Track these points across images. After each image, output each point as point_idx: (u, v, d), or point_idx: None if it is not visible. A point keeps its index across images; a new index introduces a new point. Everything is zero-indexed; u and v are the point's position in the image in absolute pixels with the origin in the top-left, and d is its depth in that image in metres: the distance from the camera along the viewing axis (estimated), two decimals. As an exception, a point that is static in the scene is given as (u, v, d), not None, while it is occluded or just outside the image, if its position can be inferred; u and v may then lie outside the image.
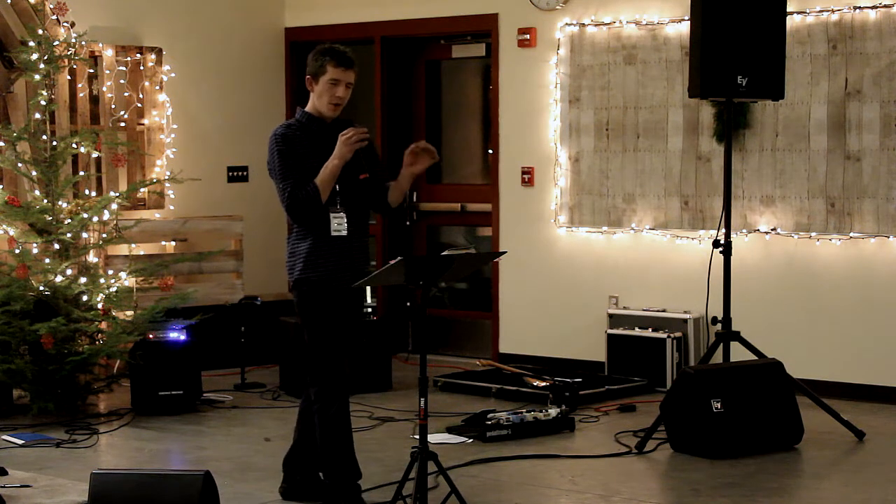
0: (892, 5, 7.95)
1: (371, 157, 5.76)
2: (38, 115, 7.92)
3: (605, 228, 9.03)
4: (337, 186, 5.58)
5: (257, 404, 8.26)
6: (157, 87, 9.50)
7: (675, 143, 8.73)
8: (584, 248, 9.15)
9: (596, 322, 9.01)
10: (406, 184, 5.75)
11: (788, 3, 7.58)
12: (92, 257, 8.25)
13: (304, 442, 5.87)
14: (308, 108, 5.71)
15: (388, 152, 9.95)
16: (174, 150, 9.60)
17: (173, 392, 7.94)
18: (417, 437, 5.44)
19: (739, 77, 7.03)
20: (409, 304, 9.77)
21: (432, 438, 6.18)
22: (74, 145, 8.05)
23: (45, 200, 7.90)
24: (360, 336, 5.74)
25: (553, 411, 7.44)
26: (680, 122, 8.71)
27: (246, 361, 8.92)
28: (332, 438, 5.67)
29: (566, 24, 9.11)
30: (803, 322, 8.33)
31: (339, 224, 5.58)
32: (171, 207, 9.58)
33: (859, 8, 8.05)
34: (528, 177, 9.36)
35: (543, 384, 8.19)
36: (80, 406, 7.95)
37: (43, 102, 7.90)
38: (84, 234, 8.04)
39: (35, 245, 7.92)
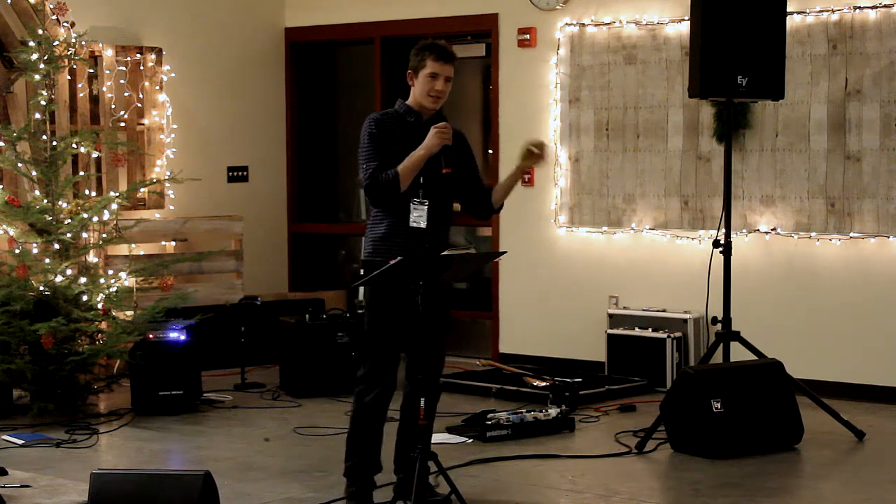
0: (892, 5, 7.95)
1: (464, 157, 5.79)
2: (38, 115, 7.92)
3: (605, 228, 9.03)
4: (421, 178, 5.60)
5: (257, 404, 8.26)
6: (157, 87, 9.51)
7: (675, 143, 8.73)
8: (584, 248, 9.15)
9: (596, 322, 9.01)
10: (514, 181, 5.85)
11: (788, 3, 7.58)
12: (92, 257, 8.25)
13: (405, 426, 5.86)
14: (408, 101, 5.77)
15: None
16: (174, 150, 9.60)
17: (173, 392, 7.94)
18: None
19: (739, 77, 7.03)
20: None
21: (432, 438, 6.17)
22: (74, 145, 8.05)
23: (45, 200, 7.90)
24: (432, 328, 5.63)
25: (553, 411, 7.44)
26: (680, 122, 8.71)
27: (246, 361, 8.92)
28: (359, 424, 5.69)
29: (566, 24, 9.11)
30: (803, 322, 8.33)
31: (418, 215, 5.60)
32: (171, 207, 9.58)
33: (859, 8, 8.05)
34: (528, 177, 9.36)
35: (543, 384, 8.19)
36: (80, 406, 7.95)
37: (43, 102, 7.90)
38: (84, 234, 8.04)
39: (35, 245, 7.92)
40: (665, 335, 8.56)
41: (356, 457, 5.70)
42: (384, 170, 5.57)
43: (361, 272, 5.75)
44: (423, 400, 5.46)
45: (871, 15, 8.03)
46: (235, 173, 10.17)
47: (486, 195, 5.86)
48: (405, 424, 5.86)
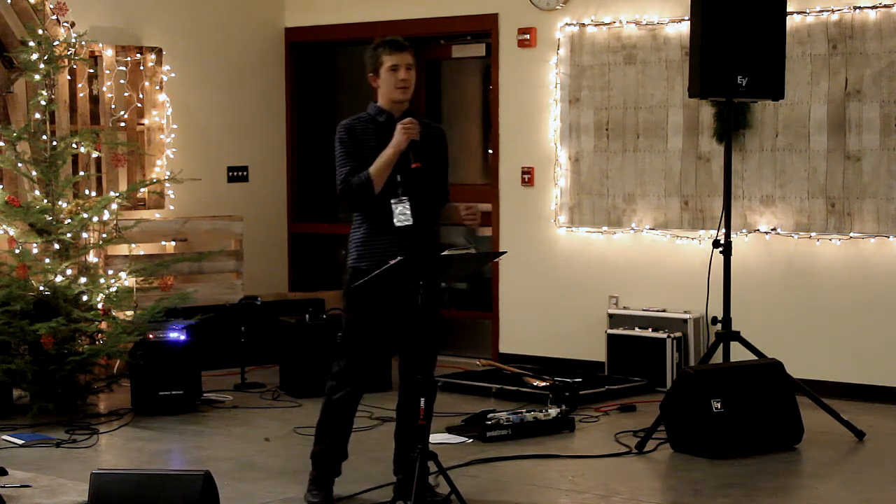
0: (892, 5, 7.95)
1: (435, 153, 5.79)
2: (38, 115, 7.92)
3: (605, 228, 9.03)
4: (398, 177, 5.62)
5: (257, 404, 8.26)
6: (157, 87, 9.51)
7: (675, 143, 8.73)
8: (584, 248, 9.15)
9: (596, 322, 9.01)
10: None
11: (788, 3, 7.58)
12: (92, 257, 8.25)
13: (402, 426, 5.90)
14: (379, 102, 5.79)
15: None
16: (174, 150, 9.60)
17: (173, 392, 7.94)
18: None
19: (739, 77, 7.03)
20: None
21: (432, 438, 6.17)
22: (74, 145, 8.05)
23: (45, 200, 7.90)
24: (419, 328, 5.60)
25: (553, 411, 7.44)
26: (680, 122, 8.71)
27: (246, 361, 8.92)
28: (327, 419, 5.78)
29: (566, 24, 9.11)
30: (803, 322, 8.33)
31: (402, 213, 5.60)
32: (171, 207, 9.59)
33: (859, 8, 8.05)
34: (528, 177, 9.36)
35: (543, 384, 8.19)
36: (80, 406, 7.95)
37: (43, 102, 7.90)
38: (84, 234, 8.04)
39: (35, 245, 7.92)
40: (665, 335, 8.56)
41: (322, 444, 5.81)
42: (356, 173, 5.62)
43: (347, 278, 5.74)
44: (422, 400, 5.45)
45: (871, 15, 8.03)
46: (235, 173, 10.17)
47: (440, 202, 5.83)
48: (402, 425, 5.88)
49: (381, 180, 5.60)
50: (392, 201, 5.61)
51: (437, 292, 5.78)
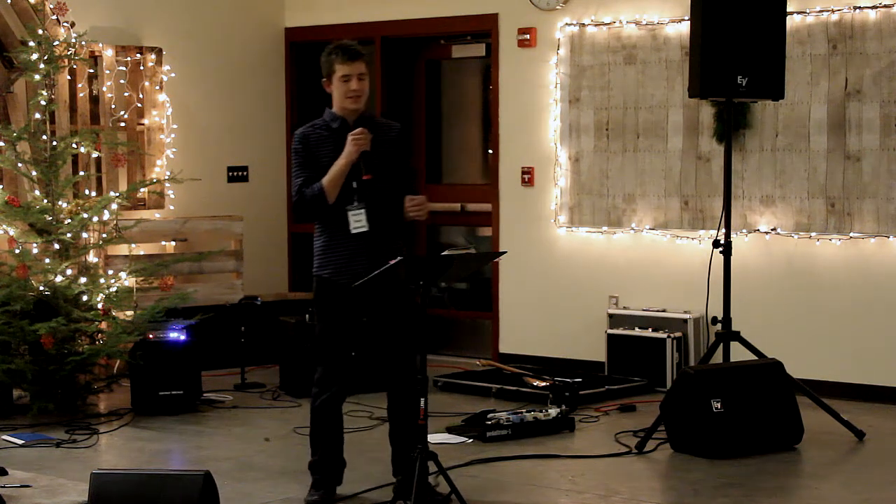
0: (892, 5, 7.95)
1: (394, 153, 5.78)
2: (38, 115, 7.92)
3: (605, 228, 9.03)
4: (354, 184, 5.63)
5: (257, 404, 8.26)
6: (157, 87, 9.51)
7: (675, 143, 8.73)
8: (584, 248, 9.15)
9: (596, 322, 9.01)
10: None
11: (788, 3, 7.57)
12: (92, 257, 8.25)
13: (393, 427, 5.93)
14: (334, 108, 5.81)
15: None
16: (174, 150, 9.60)
17: (173, 392, 7.94)
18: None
19: (739, 77, 7.03)
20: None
21: (432, 438, 6.17)
22: (74, 145, 8.05)
23: (45, 200, 7.90)
24: (395, 333, 5.74)
25: (553, 411, 7.44)
26: (680, 122, 8.71)
27: (246, 361, 8.92)
28: (316, 426, 5.84)
29: (566, 24, 9.11)
30: (803, 322, 8.33)
31: (357, 221, 5.62)
32: (171, 207, 9.58)
33: (859, 8, 8.05)
34: (528, 177, 9.36)
35: (543, 384, 8.19)
36: (80, 406, 7.95)
37: (43, 102, 7.90)
38: (84, 234, 8.04)
39: (35, 245, 7.92)
40: (665, 335, 8.56)
41: (318, 454, 5.86)
42: (311, 184, 5.65)
43: (315, 286, 5.81)
44: (422, 400, 5.45)
45: (871, 15, 8.03)
46: (235, 173, 10.17)
47: (401, 198, 5.77)
48: (394, 426, 5.91)
49: (335, 191, 5.63)
50: (347, 208, 5.64)
51: (406, 295, 5.74)
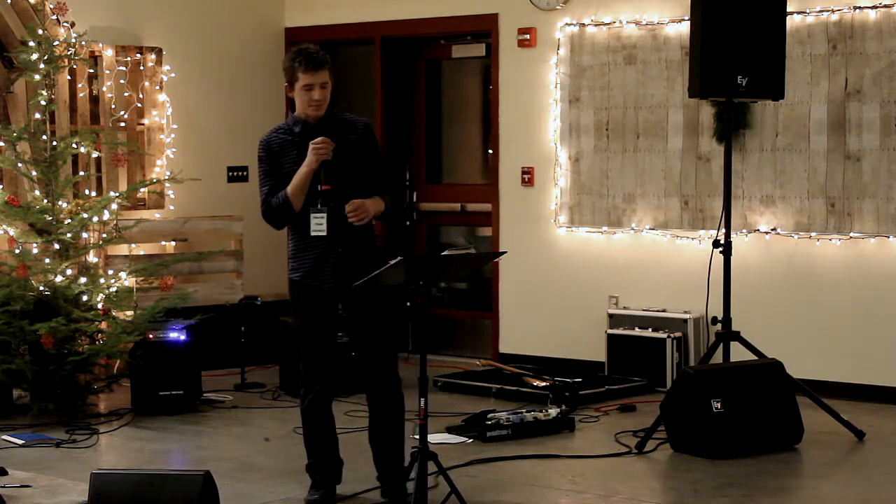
0: (892, 5, 7.95)
1: (362, 151, 5.75)
2: (38, 115, 7.92)
3: (605, 228, 9.03)
4: (318, 186, 5.63)
5: (257, 404, 8.26)
6: (157, 87, 9.51)
7: (675, 143, 8.73)
8: (584, 248, 9.15)
9: (596, 322, 9.01)
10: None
11: (788, 3, 7.58)
12: (92, 257, 8.25)
13: (371, 427, 5.94)
14: (297, 112, 5.80)
15: (388, 152, 9.96)
16: (174, 150, 9.60)
17: (173, 392, 7.94)
18: (417, 437, 5.45)
19: (739, 77, 7.03)
20: (409, 304, 9.77)
21: (432, 438, 6.17)
22: (74, 145, 8.05)
23: (45, 200, 7.90)
24: (370, 335, 5.77)
25: (553, 411, 7.44)
26: (680, 122, 8.71)
27: (246, 361, 8.92)
28: (307, 426, 5.88)
29: (566, 24, 9.11)
30: (803, 322, 8.33)
31: (317, 224, 5.65)
32: (171, 207, 9.58)
33: (859, 8, 8.05)
34: (528, 177, 9.36)
35: (543, 384, 8.19)
36: (80, 406, 7.95)
37: (43, 102, 7.90)
38: (84, 234, 8.04)
39: (35, 245, 7.92)
40: (665, 335, 8.56)
41: (313, 457, 5.89)
42: (277, 192, 5.69)
43: (292, 289, 5.86)
44: (422, 400, 5.45)
45: (871, 15, 8.03)
46: (235, 173, 10.17)
47: (368, 193, 5.76)
48: (371, 428, 5.92)
49: (299, 199, 5.66)
50: (311, 212, 5.65)
51: (381, 294, 5.73)
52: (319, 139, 5.61)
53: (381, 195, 5.78)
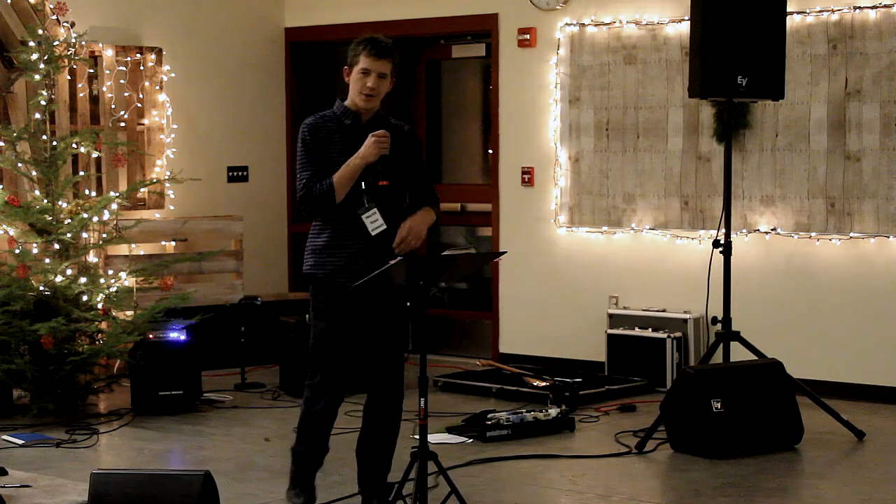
0: (892, 5, 7.95)
1: (408, 156, 5.58)
2: (38, 115, 7.92)
3: (605, 228, 9.03)
4: (362, 184, 5.41)
5: (257, 404, 8.26)
6: (157, 87, 9.51)
7: (675, 143, 8.73)
8: (584, 248, 9.15)
9: (596, 322, 9.01)
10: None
11: (788, 3, 7.57)
12: (92, 257, 8.26)
13: (366, 436, 5.74)
14: (346, 101, 5.55)
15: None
16: (174, 150, 9.60)
17: (173, 392, 7.94)
18: (417, 437, 5.44)
19: (739, 77, 7.03)
20: (408, 304, 9.76)
21: (432, 438, 6.17)
22: (74, 145, 8.05)
23: (45, 200, 7.91)
24: (384, 337, 5.59)
25: (553, 411, 7.44)
26: (680, 122, 8.71)
27: (246, 361, 8.92)
28: (307, 429, 5.64)
29: (566, 24, 9.11)
30: (803, 322, 8.33)
31: (374, 221, 5.41)
32: (171, 207, 9.59)
33: (859, 8, 8.05)
34: (528, 177, 9.36)
35: (543, 384, 8.19)
36: (80, 406, 7.95)
37: (43, 102, 7.90)
38: (84, 234, 8.04)
39: (35, 245, 7.92)
40: (665, 335, 8.56)
41: (304, 445, 5.67)
42: (320, 179, 5.41)
43: (313, 287, 5.58)
44: (422, 400, 5.44)
45: (871, 15, 8.03)
46: (235, 173, 10.17)
47: (429, 205, 5.61)
48: (364, 433, 5.72)
49: (344, 191, 5.40)
50: (359, 211, 5.41)
51: (400, 298, 5.61)
52: (381, 132, 5.39)
53: (430, 204, 5.60)
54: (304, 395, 5.68)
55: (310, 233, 5.62)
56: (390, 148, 5.44)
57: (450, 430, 7.26)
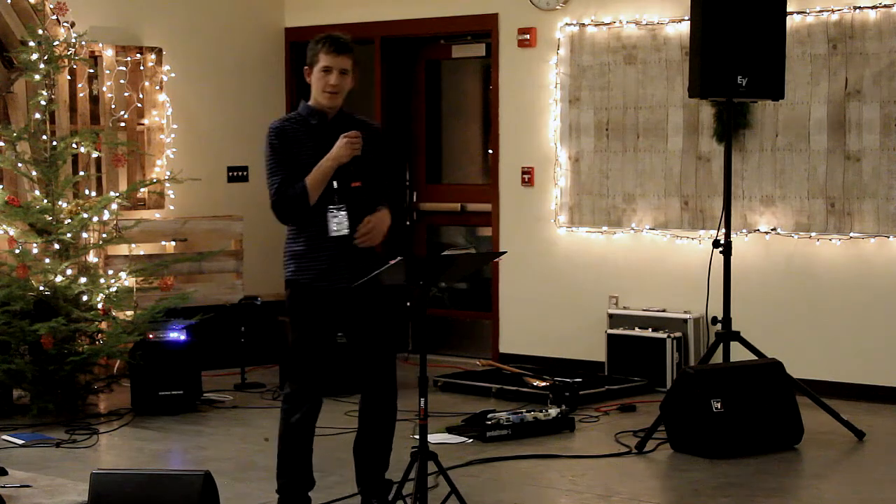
0: (892, 5, 7.95)
1: (375, 155, 5.54)
2: (38, 115, 7.92)
3: (605, 228, 9.03)
4: (334, 184, 5.37)
5: (257, 404, 8.26)
6: (157, 87, 9.51)
7: (675, 143, 8.73)
8: (584, 248, 9.15)
9: (596, 322, 9.01)
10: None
11: (788, 3, 7.57)
12: (92, 257, 8.26)
13: (362, 436, 5.68)
14: (310, 101, 5.51)
15: (388, 153, 9.96)
16: (174, 150, 9.60)
17: (173, 392, 7.94)
18: (417, 437, 5.44)
19: (739, 77, 7.03)
20: (409, 304, 9.77)
21: (432, 438, 6.17)
22: (74, 145, 8.05)
23: (45, 200, 7.91)
24: (372, 337, 5.54)
25: (553, 411, 7.44)
26: (680, 122, 8.71)
27: (246, 361, 8.92)
28: (287, 444, 5.56)
29: (566, 24, 9.11)
30: (803, 322, 8.33)
31: (338, 223, 5.38)
32: (171, 207, 9.59)
33: (859, 8, 8.05)
34: (528, 177, 9.36)
35: (543, 384, 8.19)
36: (80, 406, 7.95)
37: (43, 102, 7.90)
38: (84, 234, 8.04)
39: (35, 245, 7.92)
40: (665, 335, 8.56)
41: (286, 477, 5.56)
42: (291, 183, 5.36)
43: (289, 293, 5.54)
44: (422, 400, 5.44)
45: (871, 15, 8.03)
46: (235, 173, 10.17)
47: (395, 205, 5.59)
48: (360, 434, 5.66)
49: (318, 193, 5.35)
50: (330, 211, 5.36)
51: (384, 298, 5.55)
52: (354, 132, 5.36)
53: (389, 205, 5.56)
54: (280, 409, 5.58)
55: (286, 239, 5.57)
56: (361, 147, 5.41)
57: (450, 430, 7.26)
